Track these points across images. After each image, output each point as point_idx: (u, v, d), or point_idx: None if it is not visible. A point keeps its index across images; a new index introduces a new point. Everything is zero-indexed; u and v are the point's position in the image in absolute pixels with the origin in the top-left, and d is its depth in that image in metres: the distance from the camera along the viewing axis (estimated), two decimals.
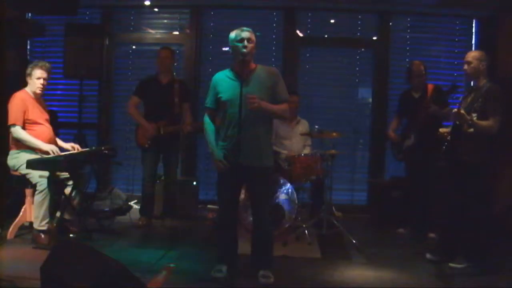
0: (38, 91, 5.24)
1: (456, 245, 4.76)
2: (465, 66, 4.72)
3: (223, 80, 4.22)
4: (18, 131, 5.06)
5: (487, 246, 4.63)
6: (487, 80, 4.69)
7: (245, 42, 4.07)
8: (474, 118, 4.50)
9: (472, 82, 4.87)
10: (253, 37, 4.14)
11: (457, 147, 4.65)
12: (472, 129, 4.53)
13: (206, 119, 4.31)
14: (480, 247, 4.61)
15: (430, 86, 5.75)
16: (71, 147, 5.40)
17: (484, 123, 4.52)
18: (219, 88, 4.21)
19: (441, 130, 4.84)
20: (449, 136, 4.73)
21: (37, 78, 5.19)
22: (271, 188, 4.86)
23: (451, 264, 4.66)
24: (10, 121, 5.07)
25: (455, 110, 4.56)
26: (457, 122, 4.63)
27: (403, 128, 6.15)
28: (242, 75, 4.11)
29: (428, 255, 4.88)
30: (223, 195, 4.26)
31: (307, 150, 6.30)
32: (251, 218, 5.31)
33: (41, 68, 5.20)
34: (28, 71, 5.22)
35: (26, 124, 5.11)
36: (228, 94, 4.13)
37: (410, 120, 5.99)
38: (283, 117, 4.44)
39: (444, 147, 4.77)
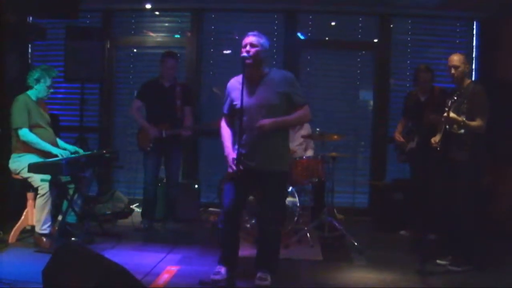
0: (46, 98, 5.32)
1: (455, 246, 4.76)
2: (453, 71, 4.68)
3: (235, 87, 4.16)
4: (27, 134, 5.05)
5: (478, 245, 4.64)
6: (470, 80, 4.72)
7: (248, 47, 4.03)
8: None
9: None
10: (259, 41, 4.07)
11: (447, 148, 4.64)
12: (462, 130, 4.55)
13: (222, 123, 4.26)
14: (471, 246, 4.63)
15: (436, 89, 5.72)
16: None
17: (474, 123, 4.55)
18: (232, 95, 4.17)
19: (433, 139, 4.79)
20: (440, 143, 4.68)
21: (47, 87, 5.23)
22: (284, 193, 4.73)
23: (449, 267, 4.64)
24: (16, 125, 5.07)
25: (445, 115, 4.56)
26: (447, 127, 4.63)
27: (406, 130, 6.13)
28: (249, 82, 4.03)
29: (438, 261, 4.79)
30: (230, 196, 4.10)
31: (310, 152, 6.30)
32: (253, 221, 5.34)
33: (53, 78, 5.26)
34: (37, 75, 5.19)
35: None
36: (239, 102, 4.01)
37: (415, 123, 5.97)
38: (302, 123, 4.16)
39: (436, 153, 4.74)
